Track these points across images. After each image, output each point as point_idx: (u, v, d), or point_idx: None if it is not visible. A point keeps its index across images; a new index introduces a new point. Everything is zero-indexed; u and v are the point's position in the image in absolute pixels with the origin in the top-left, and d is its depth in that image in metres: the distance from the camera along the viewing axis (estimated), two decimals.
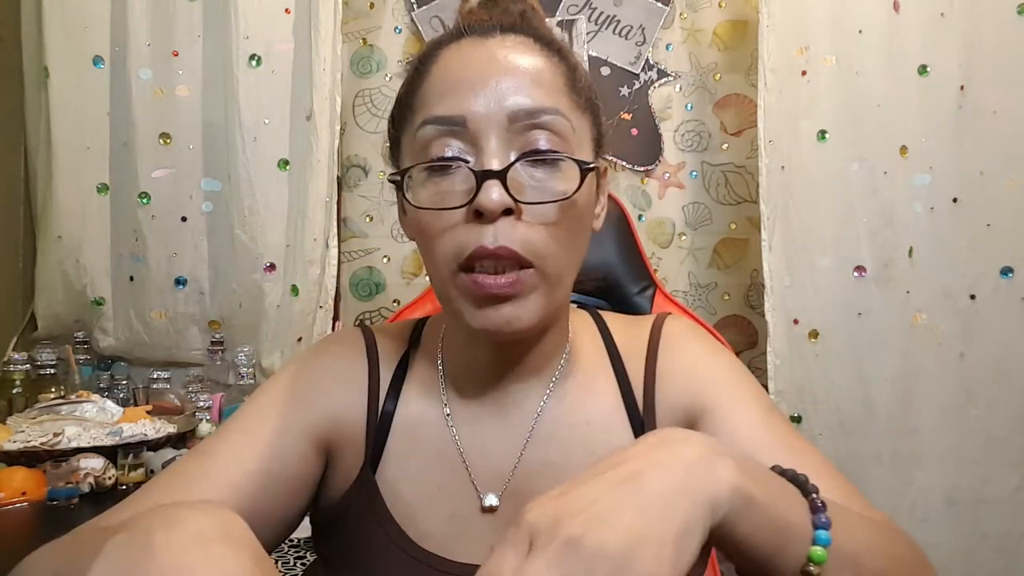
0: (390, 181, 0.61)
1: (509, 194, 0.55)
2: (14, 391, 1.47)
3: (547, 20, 0.69)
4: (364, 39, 1.86)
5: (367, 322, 1.86)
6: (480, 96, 0.57)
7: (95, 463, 1.18)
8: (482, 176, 0.55)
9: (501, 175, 0.55)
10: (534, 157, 0.57)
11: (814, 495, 0.45)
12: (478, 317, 0.58)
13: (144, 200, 1.74)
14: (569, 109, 0.60)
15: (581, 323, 0.72)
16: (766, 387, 1.28)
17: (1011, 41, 1.56)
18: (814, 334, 1.59)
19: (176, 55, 1.74)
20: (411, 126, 0.61)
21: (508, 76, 0.58)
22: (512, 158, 0.57)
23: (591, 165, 0.59)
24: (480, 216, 0.56)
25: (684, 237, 1.82)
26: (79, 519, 0.65)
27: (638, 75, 1.79)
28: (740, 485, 0.41)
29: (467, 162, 0.57)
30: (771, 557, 0.42)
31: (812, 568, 0.42)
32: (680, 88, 1.81)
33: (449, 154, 0.57)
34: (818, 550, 0.42)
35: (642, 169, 1.81)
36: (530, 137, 0.58)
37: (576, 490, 0.40)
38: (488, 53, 0.60)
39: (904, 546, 0.51)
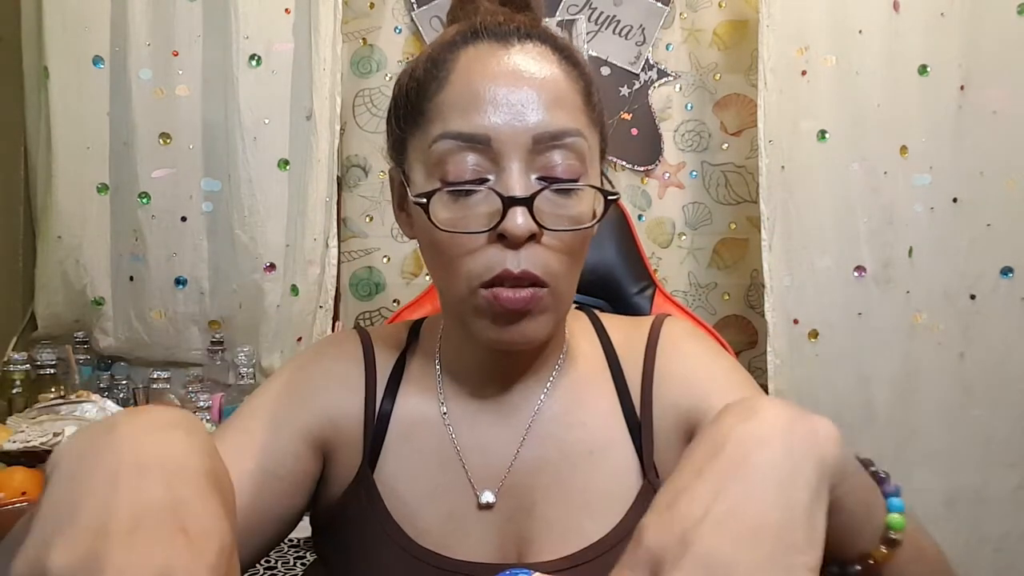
0: (415, 203, 0.59)
1: (534, 219, 0.56)
2: (14, 391, 1.48)
3: (547, 20, 0.69)
4: (364, 39, 1.86)
5: (367, 322, 1.87)
6: (504, 114, 0.56)
7: None
8: (509, 202, 0.55)
9: (528, 202, 0.55)
10: (560, 186, 0.58)
11: (872, 467, 0.45)
12: (495, 332, 0.59)
13: (144, 200, 1.74)
14: (586, 128, 0.60)
15: (578, 324, 0.72)
16: (766, 387, 1.28)
17: (1011, 41, 1.56)
18: (814, 334, 1.59)
19: (176, 55, 1.74)
20: (424, 134, 0.60)
21: (531, 92, 0.57)
22: (533, 179, 0.57)
23: (614, 196, 0.59)
24: (504, 239, 0.56)
25: (684, 237, 1.82)
26: None
27: (638, 75, 1.79)
28: (840, 444, 0.40)
29: (487, 180, 0.57)
30: (858, 525, 0.42)
31: (893, 535, 0.42)
32: (680, 88, 1.81)
33: (469, 171, 0.57)
34: (896, 517, 0.42)
35: (642, 169, 1.81)
36: (550, 158, 0.57)
37: (685, 496, 0.38)
38: (509, 64, 0.59)
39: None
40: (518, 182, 0.56)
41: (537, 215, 0.56)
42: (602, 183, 0.64)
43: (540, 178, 0.57)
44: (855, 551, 0.43)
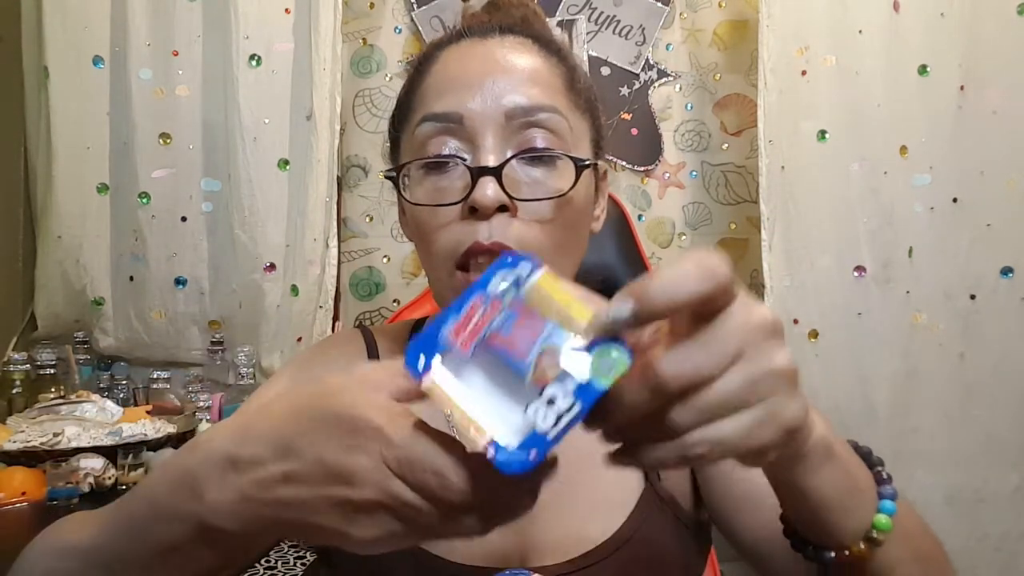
0: (386, 177, 0.62)
1: (504, 191, 0.56)
2: (14, 391, 1.48)
3: (547, 20, 0.70)
4: (364, 39, 1.86)
5: (367, 322, 1.86)
6: (477, 94, 0.58)
7: (95, 463, 1.18)
8: (478, 172, 0.56)
9: (496, 171, 0.56)
10: (530, 155, 0.58)
11: (879, 467, 0.45)
12: None
13: (144, 200, 1.74)
14: (567, 108, 0.60)
15: None
16: None
17: (1011, 41, 1.56)
18: (814, 334, 1.59)
19: (176, 55, 1.74)
20: (410, 124, 0.62)
21: (505, 74, 0.59)
22: (508, 154, 0.57)
23: (587, 162, 0.59)
24: (475, 212, 0.56)
25: (684, 237, 1.81)
26: None
27: (638, 75, 1.79)
28: (825, 435, 0.41)
29: (463, 160, 0.58)
30: (837, 517, 0.42)
31: (876, 535, 0.42)
32: (680, 88, 1.81)
33: (446, 152, 0.58)
34: (883, 518, 0.43)
35: (642, 169, 1.81)
36: (527, 135, 0.58)
37: None
38: (486, 52, 0.61)
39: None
40: (490, 156, 0.57)
41: (510, 187, 0.56)
42: (597, 175, 0.65)
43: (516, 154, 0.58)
44: (832, 538, 0.43)
